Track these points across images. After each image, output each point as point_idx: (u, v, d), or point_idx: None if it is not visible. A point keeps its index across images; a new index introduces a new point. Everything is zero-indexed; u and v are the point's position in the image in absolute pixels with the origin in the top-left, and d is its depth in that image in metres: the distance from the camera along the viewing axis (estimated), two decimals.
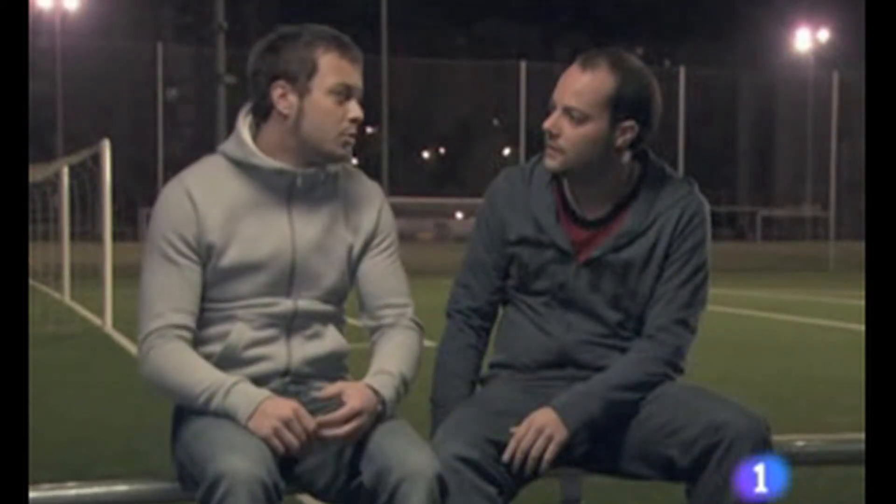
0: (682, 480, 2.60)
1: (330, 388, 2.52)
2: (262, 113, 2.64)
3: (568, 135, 2.68)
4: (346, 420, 2.45)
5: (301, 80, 2.58)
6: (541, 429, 2.59)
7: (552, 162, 2.73)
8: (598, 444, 2.66)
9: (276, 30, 2.66)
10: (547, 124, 2.71)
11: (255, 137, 2.65)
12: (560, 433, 2.59)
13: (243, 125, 2.66)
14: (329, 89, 2.59)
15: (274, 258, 2.61)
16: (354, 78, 2.62)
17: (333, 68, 2.59)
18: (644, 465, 2.65)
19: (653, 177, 2.79)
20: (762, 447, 2.52)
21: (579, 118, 2.67)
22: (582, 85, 2.67)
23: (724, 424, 2.51)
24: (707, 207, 2.80)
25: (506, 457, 2.58)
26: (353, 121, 2.62)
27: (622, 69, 2.67)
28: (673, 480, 2.63)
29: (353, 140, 2.65)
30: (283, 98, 2.60)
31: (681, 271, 2.74)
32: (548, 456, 2.58)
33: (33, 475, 2.25)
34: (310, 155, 2.63)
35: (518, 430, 2.59)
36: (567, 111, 2.68)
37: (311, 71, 2.58)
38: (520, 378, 2.81)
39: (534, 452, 2.58)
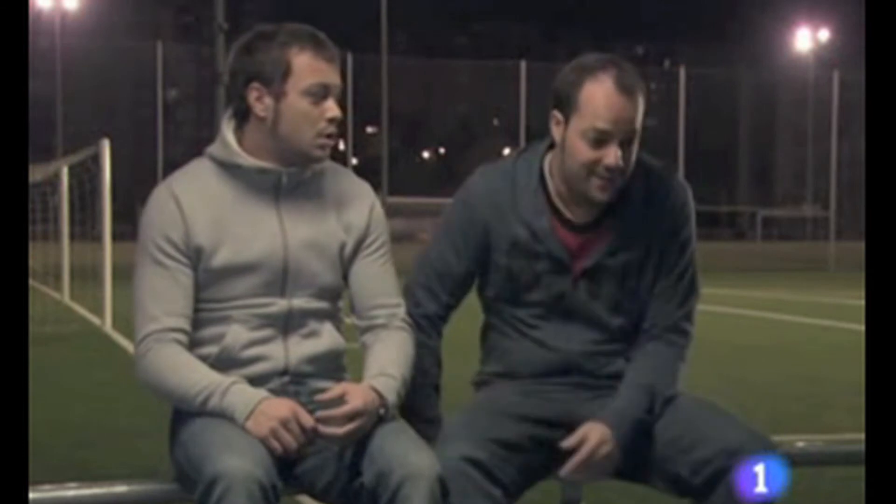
0: (688, 496, 2.60)
1: (332, 390, 2.50)
2: (241, 115, 2.63)
3: (627, 163, 2.62)
4: (347, 419, 2.45)
5: (276, 82, 2.56)
6: (600, 448, 2.56)
7: (607, 194, 2.62)
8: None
9: (251, 30, 2.65)
10: (613, 161, 2.57)
11: (239, 140, 2.64)
12: (616, 454, 2.59)
13: (227, 127, 2.65)
14: (304, 90, 2.56)
15: (266, 258, 2.60)
16: (330, 76, 2.59)
17: (308, 69, 2.56)
18: (653, 475, 2.64)
19: (637, 172, 2.69)
20: (777, 472, 2.51)
21: (633, 142, 2.62)
22: (631, 113, 2.59)
23: (740, 449, 2.50)
24: (690, 192, 2.78)
25: (563, 473, 2.57)
26: (331, 120, 2.60)
27: (639, 81, 2.62)
28: (679, 496, 2.63)
29: (331, 140, 2.62)
30: (259, 101, 2.58)
31: (677, 264, 2.73)
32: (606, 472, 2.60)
33: (32, 476, 2.24)
34: (289, 155, 2.61)
35: (580, 454, 2.56)
36: (627, 141, 2.60)
37: (286, 72, 2.56)
38: (519, 383, 2.76)
39: (595, 474, 2.60)
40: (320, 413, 2.45)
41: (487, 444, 2.52)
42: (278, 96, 2.57)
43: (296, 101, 2.57)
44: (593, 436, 2.56)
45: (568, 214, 2.70)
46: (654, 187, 2.72)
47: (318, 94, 2.57)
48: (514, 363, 2.78)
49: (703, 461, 2.53)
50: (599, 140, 2.58)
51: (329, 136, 2.61)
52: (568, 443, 2.57)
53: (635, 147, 2.63)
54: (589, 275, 2.70)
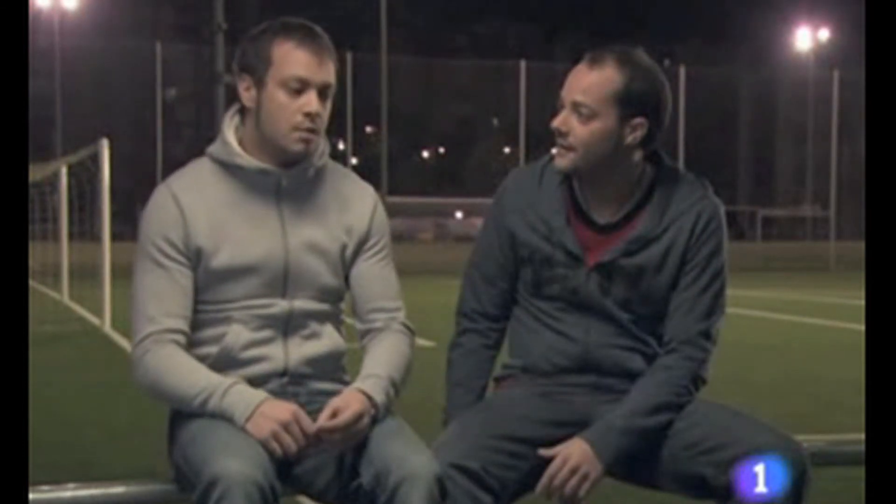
0: (711, 497, 2.59)
1: (323, 414, 2.47)
2: (240, 110, 2.64)
3: (577, 132, 2.64)
4: (349, 425, 2.44)
5: (259, 72, 2.56)
6: (575, 468, 2.55)
7: (562, 161, 2.68)
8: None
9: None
10: (556, 122, 2.66)
11: (240, 138, 2.63)
12: (595, 470, 2.57)
13: (228, 126, 2.64)
14: (281, 81, 2.54)
15: (267, 260, 2.59)
16: (312, 70, 2.55)
17: (287, 60, 2.54)
18: (670, 480, 2.63)
19: (666, 179, 2.73)
20: (803, 475, 2.53)
21: (588, 115, 2.62)
22: (589, 81, 2.63)
23: (769, 449, 2.50)
24: (722, 210, 2.75)
25: (538, 491, 2.57)
26: (307, 115, 2.55)
27: (630, 65, 2.63)
28: (701, 497, 2.62)
29: (310, 135, 2.57)
30: (247, 91, 2.59)
31: (699, 279, 2.70)
32: (581, 493, 2.57)
33: (31, 476, 2.24)
34: (272, 149, 2.59)
35: (552, 467, 2.56)
36: (575, 108, 2.64)
37: (267, 63, 2.55)
38: (540, 382, 2.76)
39: (567, 490, 2.56)
40: (320, 425, 2.43)
41: (483, 451, 2.52)
42: (259, 87, 2.56)
43: (273, 91, 2.55)
44: (571, 459, 2.56)
45: (590, 212, 2.73)
46: (681, 197, 2.71)
47: (295, 87, 2.54)
48: (533, 355, 2.77)
49: (731, 461, 2.52)
50: (561, 109, 2.69)
51: (308, 130, 2.57)
52: (546, 453, 2.58)
53: (593, 123, 2.63)
54: (601, 270, 2.70)
